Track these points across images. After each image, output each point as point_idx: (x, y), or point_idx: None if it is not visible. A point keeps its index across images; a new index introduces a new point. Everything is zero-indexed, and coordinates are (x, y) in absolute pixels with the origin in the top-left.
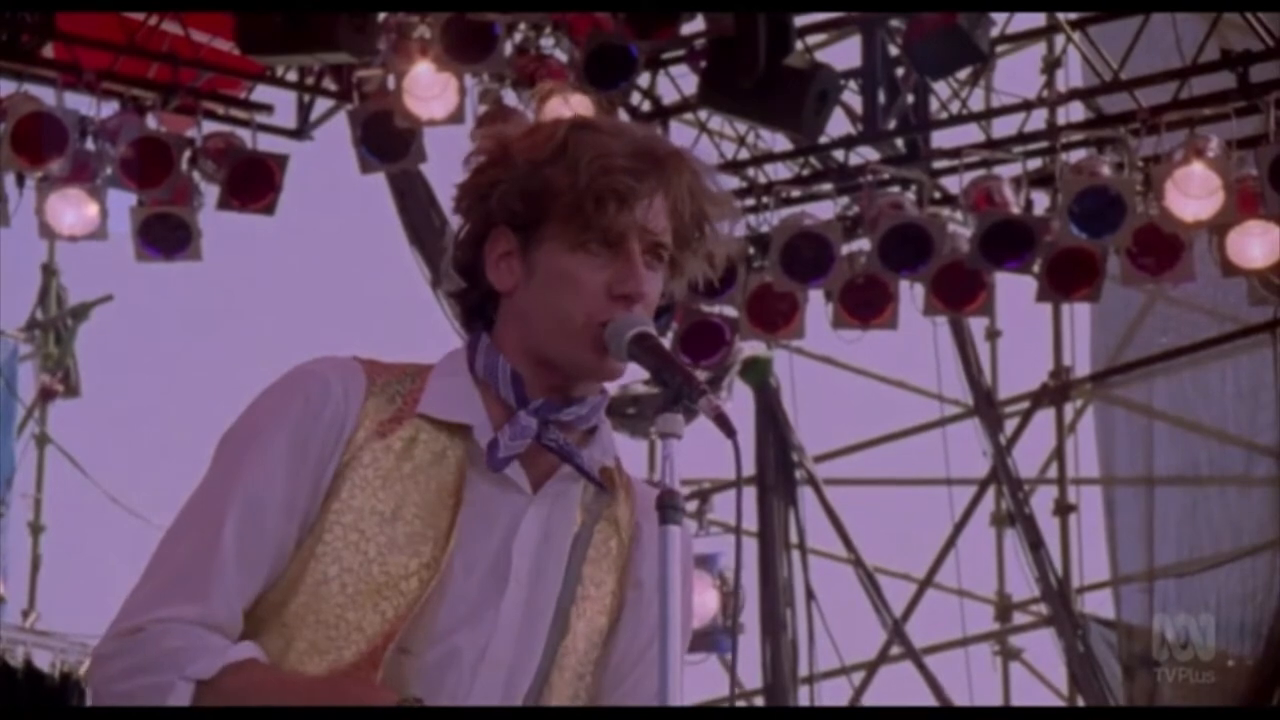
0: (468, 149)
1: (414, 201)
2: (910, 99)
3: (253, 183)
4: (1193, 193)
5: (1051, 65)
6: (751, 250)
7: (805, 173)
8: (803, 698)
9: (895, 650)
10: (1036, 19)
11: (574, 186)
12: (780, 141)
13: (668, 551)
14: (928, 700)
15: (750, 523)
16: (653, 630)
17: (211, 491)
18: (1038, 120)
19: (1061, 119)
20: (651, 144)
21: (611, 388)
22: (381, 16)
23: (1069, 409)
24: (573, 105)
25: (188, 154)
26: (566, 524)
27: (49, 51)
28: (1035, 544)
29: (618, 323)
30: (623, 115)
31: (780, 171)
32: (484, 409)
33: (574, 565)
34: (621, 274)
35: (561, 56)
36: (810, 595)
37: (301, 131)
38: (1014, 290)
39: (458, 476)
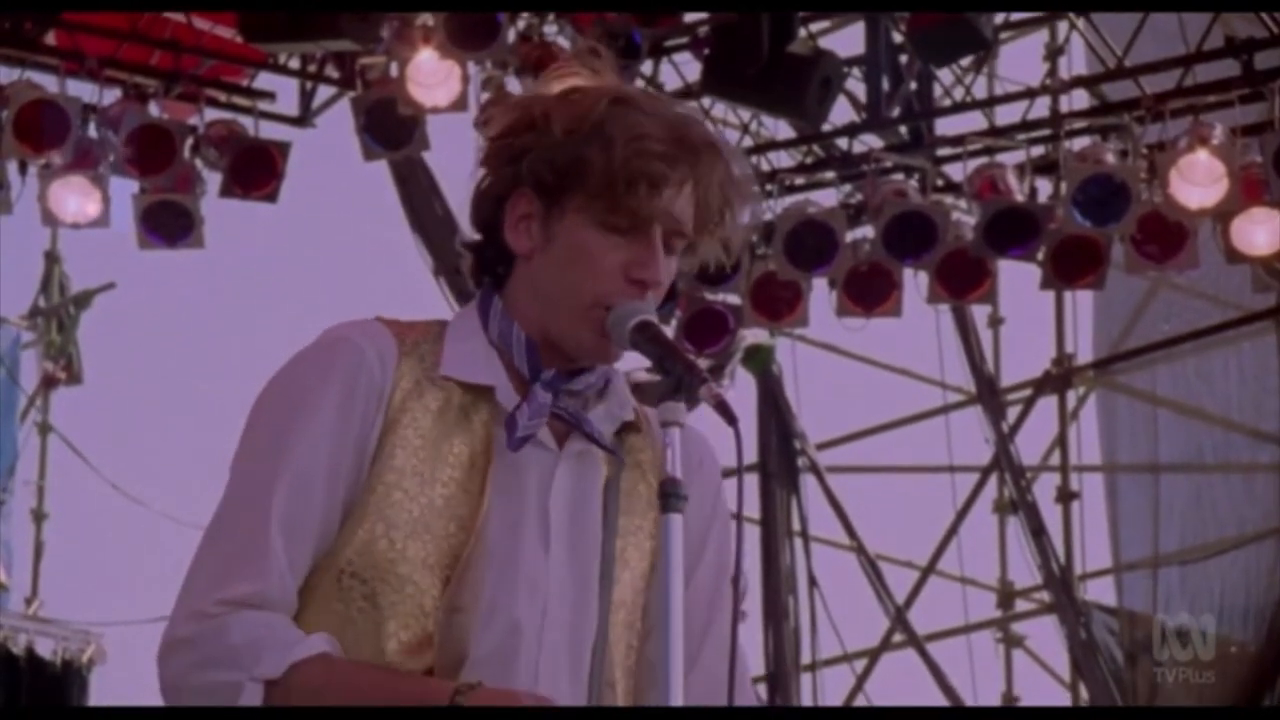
0: (471, 137)
1: (416, 189)
2: (914, 86)
3: (255, 170)
4: (1197, 180)
5: (1055, 52)
6: (755, 238)
7: (809, 160)
8: (805, 685)
9: (898, 638)
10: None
11: (608, 166)
12: (784, 129)
13: (669, 541)
14: (930, 687)
15: (753, 510)
16: (691, 566)
17: (259, 467)
18: (1041, 108)
19: (1065, 106)
20: (687, 129)
21: None
22: None
23: (1072, 396)
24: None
25: (190, 141)
26: (595, 477)
27: (51, 39)
28: (1037, 531)
29: (621, 310)
30: None
31: (783, 159)
32: (503, 371)
33: (610, 517)
34: (641, 258)
35: (565, 44)
36: (813, 582)
37: (304, 119)
38: (1017, 277)
39: (485, 437)
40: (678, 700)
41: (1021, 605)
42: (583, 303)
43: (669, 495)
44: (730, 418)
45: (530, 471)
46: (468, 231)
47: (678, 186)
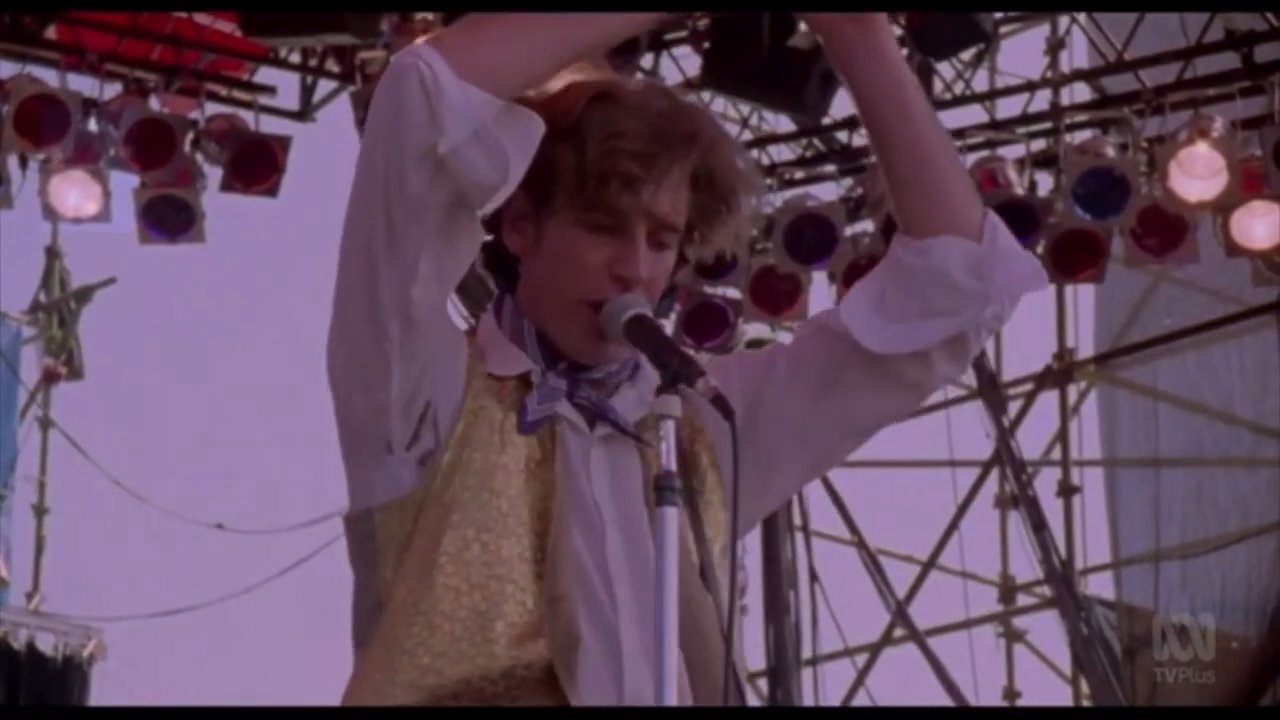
0: None
1: None
2: None
3: (255, 165)
4: (1197, 173)
5: (1055, 46)
6: (754, 232)
7: (808, 154)
8: (806, 680)
9: (899, 632)
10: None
11: (579, 165)
12: (783, 123)
13: (663, 534)
14: (931, 682)
15: None
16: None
17: None
18: (1041, 101)
19: (1065, 100)
20: (669, 123)
21: None
22: None
23: (1073, 391)
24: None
25: (190, 136)
26: (630, 459)
27: (52, 33)
28: (1038, 526)
29: (614, 304)
30: None
31: (783, 153)
32: (528, 361)
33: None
34: (622, 255)
35: None
36: (814, 577)
37: (304, 113)
38: None
39: (545, 426)
40: (672, 698)
41: (1023, 600)
42: (569, 301)
43: (664, 489)
44: (727, 411)
45: (573, 456)
46: None
47: (655, 183)
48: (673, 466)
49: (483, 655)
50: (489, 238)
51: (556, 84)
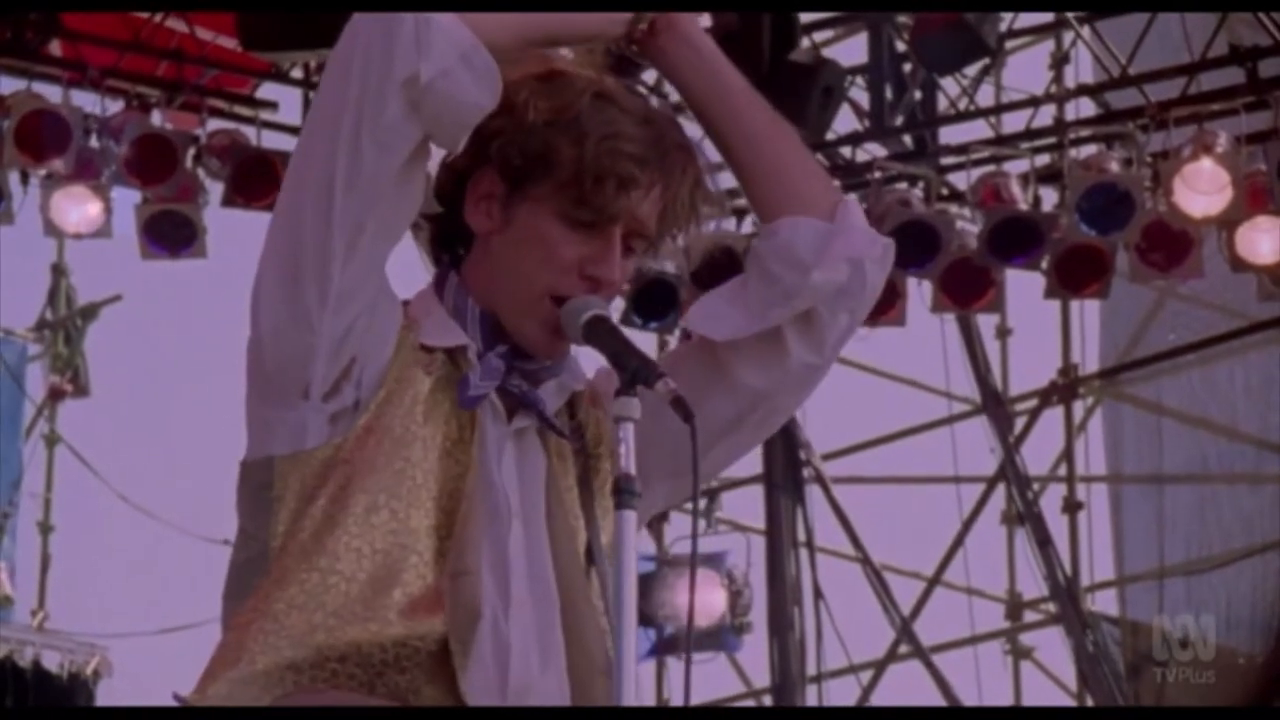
0: None
1: None
2: (918, 95)
3: (257, 180)
4: (1201, 188)
5: (1060, 61)
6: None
7: None
8: (810, 697)
9: (904, 649)
10: (1045, 14)
11: (578, 160)
12: None
13: (624, 536)
14: (937, 699)
15: (758, 521)
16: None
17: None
18: (1046, 116)
19: (1070, 115)
20: (663, 132)
21: None
22: None
23: (1078, 407)
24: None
25: (192, 151)
26: (537, 457)
27: (54, 49)
28: (1043, 542)
29: (574, 304)
30: None
31: None
32: (465, 337)
33: (587, 503)
34: (599, 255)
35: (567, 53)
36: (818, 594)
37: None
38: (1024, 288)
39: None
40: (630, 698)
41: (1030, 616)
42: (533, 293)
43: (623, 491)
44: (686, 414)
45: (489, 441)
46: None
47: (646, 189)
48: (633, 469)
49: (376, 620)
50: (440, 210)
51: (543, 68)
